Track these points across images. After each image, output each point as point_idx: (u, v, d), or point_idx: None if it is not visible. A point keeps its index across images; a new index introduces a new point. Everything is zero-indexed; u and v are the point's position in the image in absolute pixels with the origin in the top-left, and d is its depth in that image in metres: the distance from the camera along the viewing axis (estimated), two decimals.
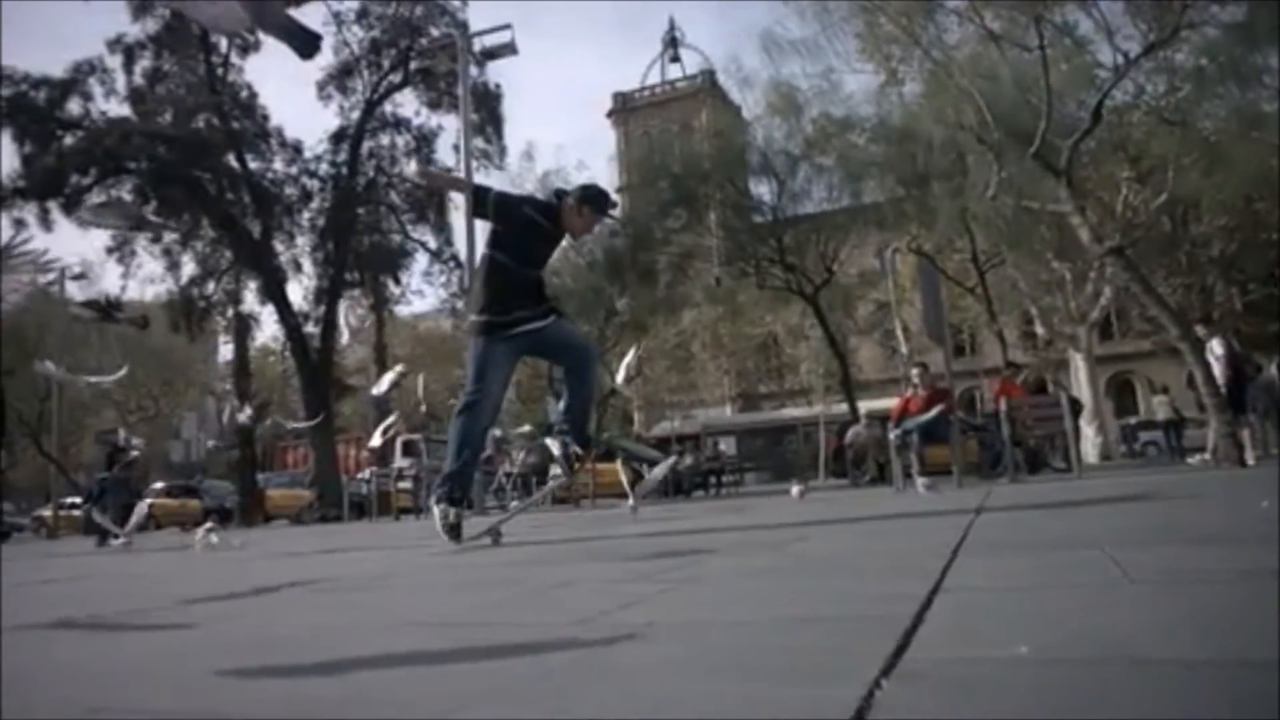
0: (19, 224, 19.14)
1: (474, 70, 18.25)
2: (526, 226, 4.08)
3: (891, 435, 9.55)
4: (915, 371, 9.88)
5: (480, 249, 4.51)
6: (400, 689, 1.27)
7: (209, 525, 7.49)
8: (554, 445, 4.42)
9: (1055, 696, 0.99)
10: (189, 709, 1.26)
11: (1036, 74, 12.76)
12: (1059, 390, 14.48)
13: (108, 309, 9.32)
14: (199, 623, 2.33)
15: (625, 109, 52.24)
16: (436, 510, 4.13)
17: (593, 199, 4.22)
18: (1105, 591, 1.70)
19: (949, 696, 1.00)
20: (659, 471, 7.97)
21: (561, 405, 4.49)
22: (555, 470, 15.82)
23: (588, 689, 1.18)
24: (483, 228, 4.78)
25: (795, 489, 8.47)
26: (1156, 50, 11.45)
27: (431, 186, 4.69)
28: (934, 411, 9.23)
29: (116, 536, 10.53)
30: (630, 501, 7.22)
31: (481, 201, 4.20)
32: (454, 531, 4.08)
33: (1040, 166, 11.05)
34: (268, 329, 29.24)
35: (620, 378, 9.06)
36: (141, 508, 9.09)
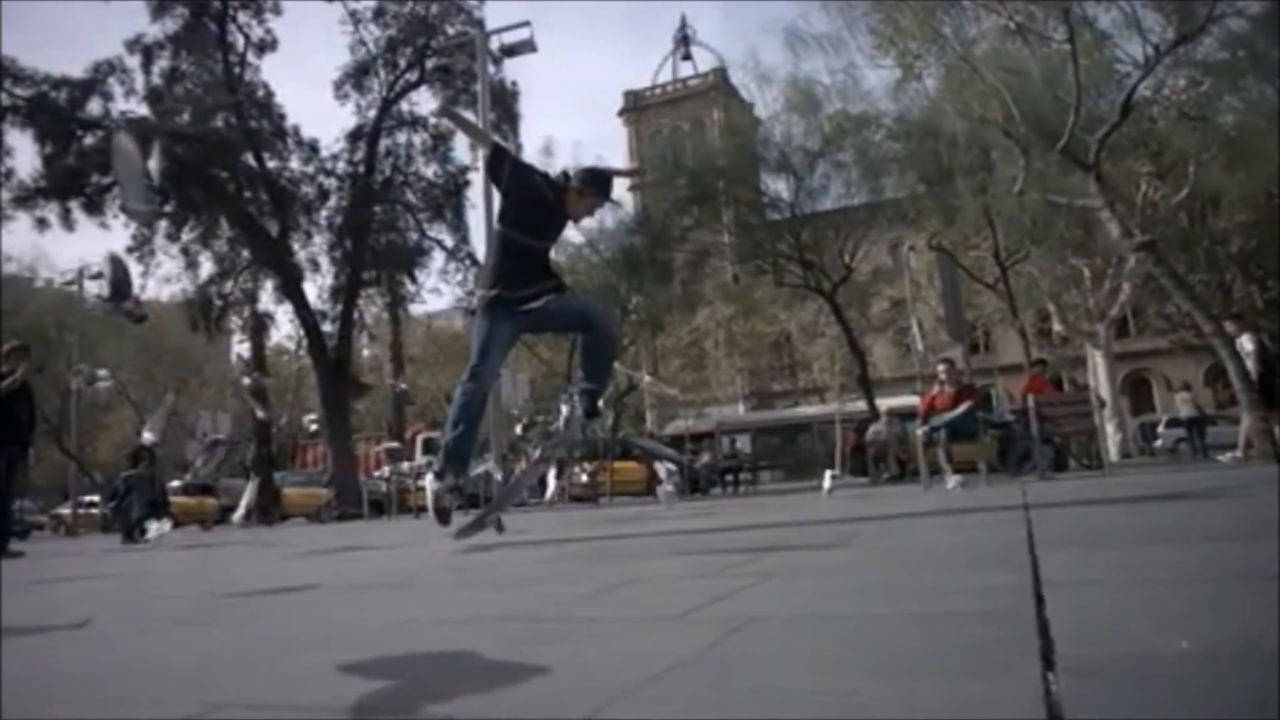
0: (41, 223, 19.33)
1: (490, 68, 18.24)
2: (536, 199, 4.07)
3: (919, 432, 9.47)
4: (942, 368, 9.78)
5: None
6: (527, 688, 1.24)
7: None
8: (563, 406, 4.38)
9: (1237, 692, 0.96)
10: (304, 704, 1.23)
11: (1060, 68, 12.68)
12: (1084, 387, 14.37)
13: (121, 294, 9.26)
14: (276, 616, 2.31)
15: (637, 107, 52.16)
16: (430, 489, 4.07)
17: (595, 183, 4.18)
18: (1223, 587, 1.66)
19: (1133, 693, 0.97)
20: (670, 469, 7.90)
21: (578, 369, 4.43)
22: (574, 469, 15.75)
23: (734, 684, 1.15)
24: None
25: (828, 483, 8.43)
26: (1187, 42, 11.34)
27: (450, 121, 4.51)
28: (962, 408, 9.16)
29: (144, 533, 10.60)
30: (666, 487, 7.19)
31: (499, 162, 4.16)
32: (443, 516, 4.02)
33: (1068, 161, 10.95)
34: (281, 328, 29.43)
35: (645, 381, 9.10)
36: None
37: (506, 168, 4.14)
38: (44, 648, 2.01)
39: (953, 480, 7.73)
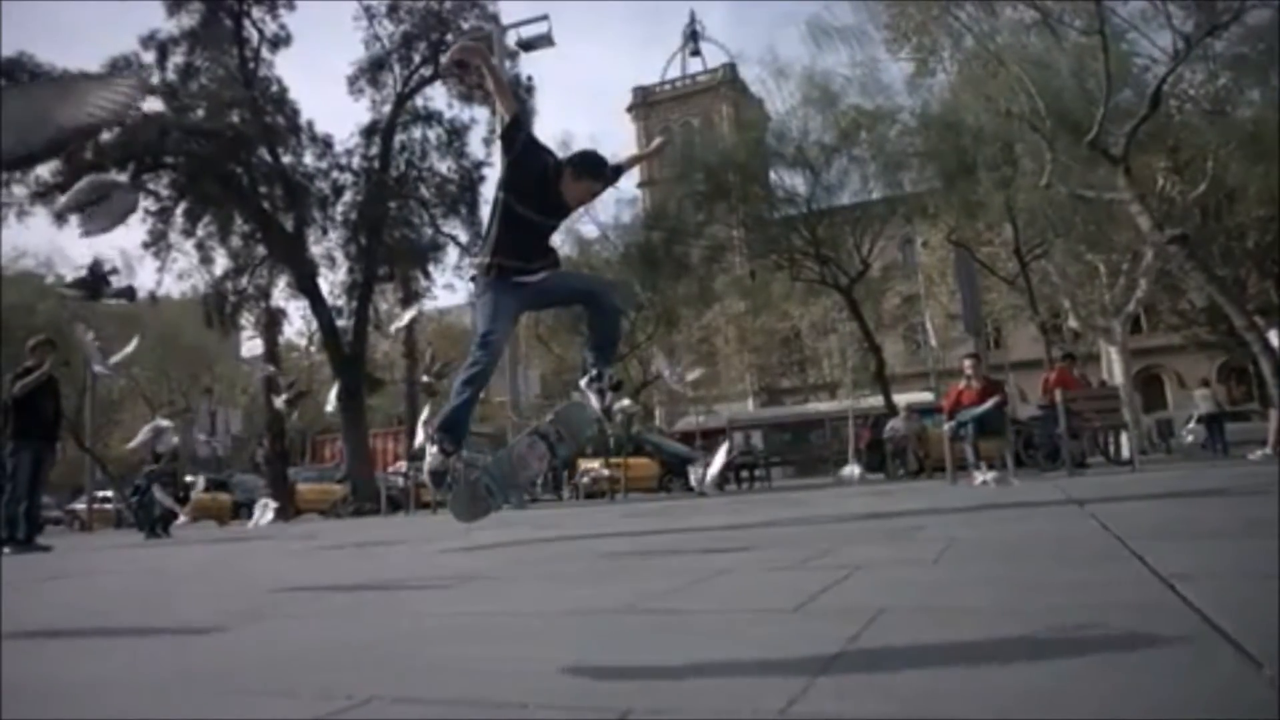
0: (59, 218, 19.34)
1: (506, 63, 18.19)
2: (540, 176, 3.99)
3: (946, 427, 9.43)
4: (968, 363, 9.71)
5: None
6: (697, 684, 1.21)
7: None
8: (590, 394, 4.33)
9: None
10: (457, 697, 1.20)
11: (1082, 61, 12.61)
12: (1102, 383, 14.28)
13: (96, 283, 9.04)
14: (374, 609, 2.29)
15: (645, 103, 52.09)
16: (429, 455, 4.02)
17: (587, 165, 4.04)
18: None
19: None
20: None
21: (587, 348, 4.40)
22: (587, 466, 15.74)
23: (914, 677, 1.12)
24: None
25: (856, 471, 8.40)
26: (1216, 32, 11.26)
27: (474, 62, 4.22)
28: (990, 403, 9.11)
29: (165, 529, 10.63)
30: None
31: (516, 129, 4.07)
32: (438, 480, 3.99)
33: (1097, 154, 10.88)
34: (292, 324, 29.39)
35: (667, 374, 9.13)
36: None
37: (521, 138, 4.09)
38: (156, 644, 2.00)
39: (987, 475, 7.68)
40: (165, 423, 10.91)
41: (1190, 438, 21.17)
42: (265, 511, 11.76)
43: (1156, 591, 1.60)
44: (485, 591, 2.47)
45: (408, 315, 17.87)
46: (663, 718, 1.02)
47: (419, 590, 2.69)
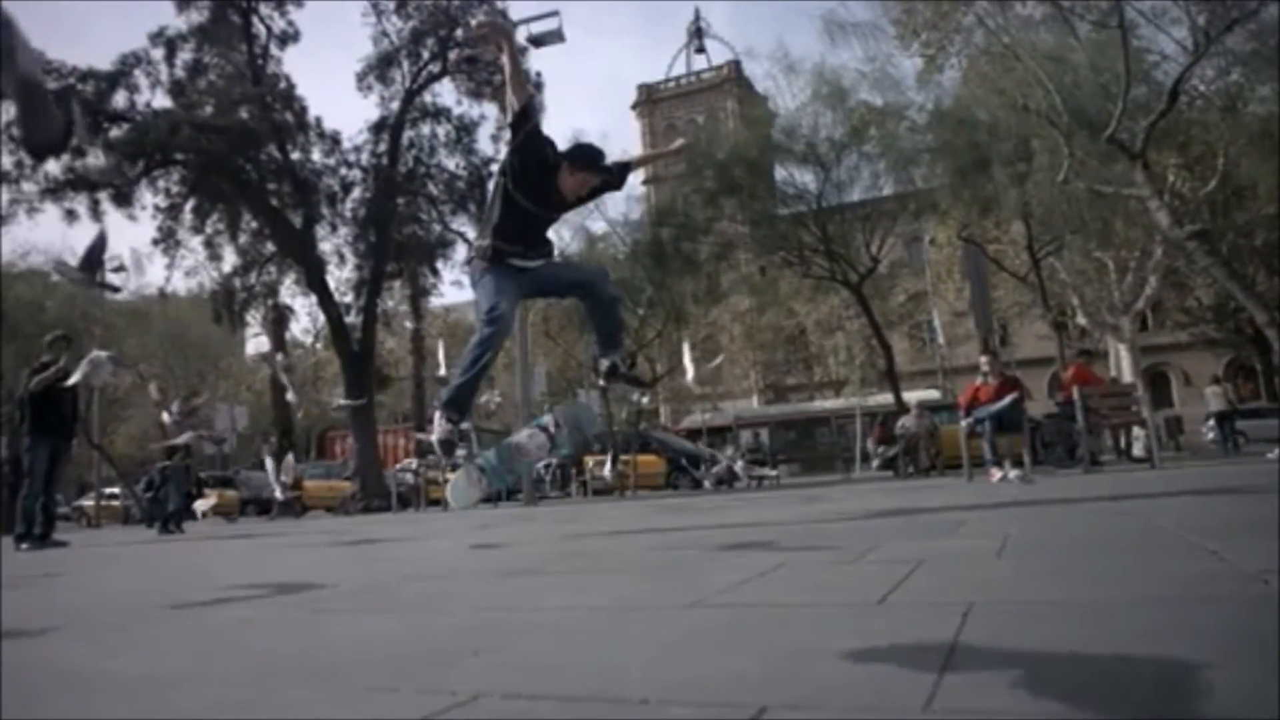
0: (69, 214, 19.40)
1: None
2: (540, 166, 4.01)
3: (963, 424, 9.41)
4: (985, 359, 9.69)
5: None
6: (828, 681, 1.19)
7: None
8: (616, 386, 4.30)
9: None
10: (571, 693, 1.19)
11: (1097, 55, 12.57)
12: (1114, 380, 14.24)
13: (94, 264, 8.99)
14: (443, 602, 2.27)
15: (650, 100, 52.10)
16: (438, 420, 4.01)
17: (584, 160, 4.05)
18: None
19: None
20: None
21: (594, 340, 4.39)
22: (597, 462, 15.70)
23: (1046, 671, 1.10)
24: None
25: (876, 461, 8.39)
26: (1235, 26, 11.20)
27: (497, 40, 4.16)
28: (1007, 399, 9.08)
29: (179, 524, 10.64)
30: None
31: (526, 118, 4.05)
32: (447, 448, 3.99)
33: (1114, 149, 10.83)
34: (298, 321, 29.40)
35: (690, 375, 9.16)
36: None
37: (529, 127, 4.09)
38: (224, 636, 1.98)
39: (1010, 472, 7.65)
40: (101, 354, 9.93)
41: (1210, 435, 21.14)
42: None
43: (1251, 586, 1.58)
44: (544, 586, 2.45)
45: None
46: (802, 716, 1.00)
47: (472, 586, 2.67)
